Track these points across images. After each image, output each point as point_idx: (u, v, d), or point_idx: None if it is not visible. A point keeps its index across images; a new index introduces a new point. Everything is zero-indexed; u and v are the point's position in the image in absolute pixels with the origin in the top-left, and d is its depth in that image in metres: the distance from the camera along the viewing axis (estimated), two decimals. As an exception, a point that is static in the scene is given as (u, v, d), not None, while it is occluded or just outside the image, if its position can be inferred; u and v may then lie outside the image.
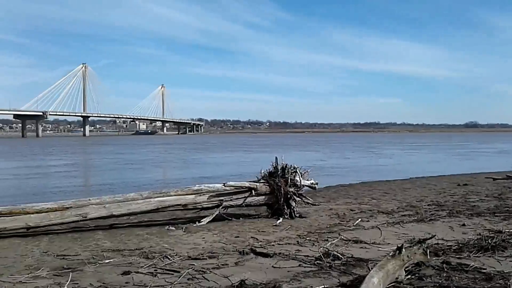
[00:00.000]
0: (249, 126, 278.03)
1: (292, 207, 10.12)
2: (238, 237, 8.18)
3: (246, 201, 10.09)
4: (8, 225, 8.23)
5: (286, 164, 10.45)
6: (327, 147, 62.11)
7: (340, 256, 6.23)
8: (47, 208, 8.62)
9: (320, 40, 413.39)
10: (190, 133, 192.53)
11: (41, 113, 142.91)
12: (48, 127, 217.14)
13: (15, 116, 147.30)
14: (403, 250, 5.22)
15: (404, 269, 5.20)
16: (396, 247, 5.31)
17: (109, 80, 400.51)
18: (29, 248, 7.51)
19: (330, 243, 7.24)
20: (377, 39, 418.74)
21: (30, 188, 18.91)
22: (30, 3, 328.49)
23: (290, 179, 10.26)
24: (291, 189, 10.21)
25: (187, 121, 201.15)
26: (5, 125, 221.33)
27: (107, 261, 6.44)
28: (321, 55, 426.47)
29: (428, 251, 5.77)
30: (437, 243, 6.84)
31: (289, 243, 7.48)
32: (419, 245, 5.72)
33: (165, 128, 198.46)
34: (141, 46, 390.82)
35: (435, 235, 6.73)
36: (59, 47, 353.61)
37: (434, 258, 5.87)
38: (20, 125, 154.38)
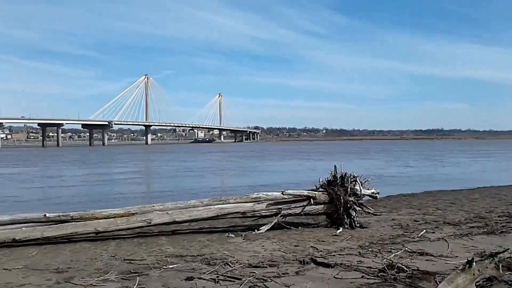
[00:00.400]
0: (305, 133, 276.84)
1: (352, 216, 9.92)
2: (297, 246, 8.13)
3: (304, 209, 10.00)
4: (79, 230, 8.71)
5: (346, 173, 10.27)
6: (387, 155, 60.42)
7: (405, 268, 6.02)
8: (114, 214, 9.02)
9: (378, 45, 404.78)
10: (246, 141, 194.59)
11: (106, 123, 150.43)
12: (113, 135, 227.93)
13: (83, 125, 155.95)
14: (474, 263, 4.95)
15: (475, 284, 4.93)
16: (465, 261, 5.06)
17: (169, 90, 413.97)
18: (98, 252, 7.88)
19: (393, 254, 7.02)
20: (441, 42, 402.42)
21: (97, 194, 19.92)
22: (100, 18, 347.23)
23: (350, 188, 10.06)
24: (351, 198, 10.01)
25: (244, 129, 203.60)
26: (74, 134, 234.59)
27: (171, 266, 6.64)
28: (379, 60, 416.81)
29: (500, 265, 5.44)
30: (510, 257, 6.42)
31: (350, 254, 7.33)
32: (491, 258, 5.39)
33: (222, 136, 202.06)
34: (200, 57, 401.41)
35: (508, 249, 6.33)
36: (124, 60, 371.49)
37: (507, 273, 5.54)
38: (88, 134, 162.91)
